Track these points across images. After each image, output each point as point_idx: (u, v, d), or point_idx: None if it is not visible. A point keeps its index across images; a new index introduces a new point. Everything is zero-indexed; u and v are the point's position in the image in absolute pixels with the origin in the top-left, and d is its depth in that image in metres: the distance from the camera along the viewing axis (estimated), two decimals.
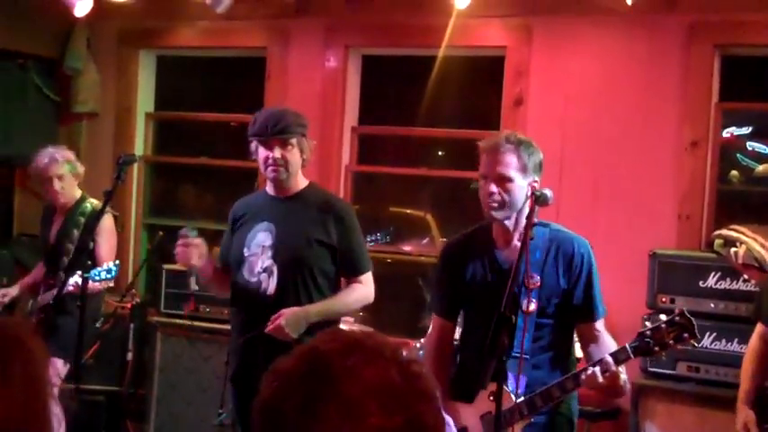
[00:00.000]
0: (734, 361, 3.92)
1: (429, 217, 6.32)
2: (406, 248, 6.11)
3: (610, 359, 2.78)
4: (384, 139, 6.02)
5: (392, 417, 1.08)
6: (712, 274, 4.20)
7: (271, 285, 3.46)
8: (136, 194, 6.18)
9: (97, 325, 4.96)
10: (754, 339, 3.51)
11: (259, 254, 3.50)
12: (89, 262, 4.43)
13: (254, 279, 3.50)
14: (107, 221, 4.69)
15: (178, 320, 5.37)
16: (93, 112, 6.19)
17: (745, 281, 4.13)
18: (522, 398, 2.93)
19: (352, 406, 1.07)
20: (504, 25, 5.13)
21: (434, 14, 5.09)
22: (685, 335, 2.75)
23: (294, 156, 3.46)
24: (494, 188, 2.92)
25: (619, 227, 4.74)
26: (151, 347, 5.42)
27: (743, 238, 4.13)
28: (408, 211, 6.47)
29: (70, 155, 4.81)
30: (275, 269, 3.46)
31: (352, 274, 3.56)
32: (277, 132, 3.41)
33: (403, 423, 1.08)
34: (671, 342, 2.76)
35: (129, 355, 5.44)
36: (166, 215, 6.30)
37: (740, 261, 4.07)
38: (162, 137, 6.42)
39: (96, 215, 4.42)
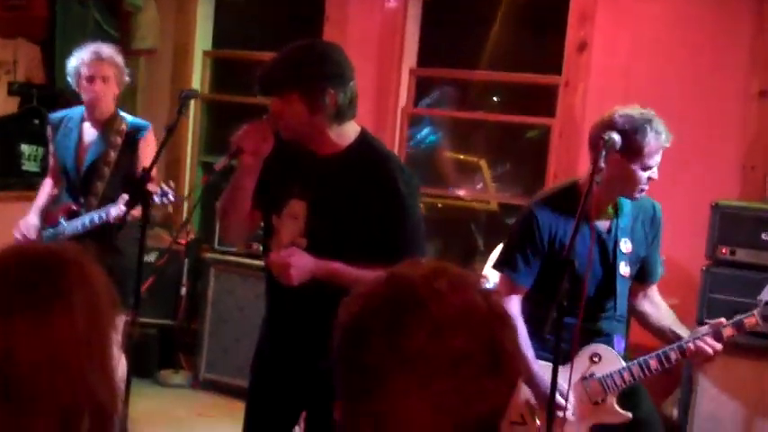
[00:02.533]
0: None
1: (482, 162, 6.27)
2: (459, 193, 6.07)
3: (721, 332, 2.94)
4: (441, 83, 5.95)
5: (476, 340, 1.10)
6: None
7: None
8: (192, 132, 6.21)
9: (151, 259, 5.01)
10: None
11: (289, 226, 2.93)
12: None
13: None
14: (150, 136, 4.25)
15: (231, 257, 5.42)
16: (151, 49, 6.20)
17: None
18: (633, 363, 3.01)
19: (439, 327, 1.09)
20: None
21: None
22: None
23: (297, 112, 2.67)
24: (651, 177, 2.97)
25: (681, 176, 4.63)
26: (204, 283, 5.49)
27: None
28: (461, 157, 6.42)
29: (121, 59, 4.24)
30: (306, 246, 2.81)
31: (393, 259, 3.20)
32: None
33: (484, 347, 1.11)
34: None
35: (183, 291, 5.53)
36: (222, 153, 6.30)
37: None
38: (219, 76, 6.42)
39: (143, 138, 4.17)
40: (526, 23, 5.72)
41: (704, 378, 4.13)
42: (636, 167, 2.91)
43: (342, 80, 2.69)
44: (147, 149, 4.15)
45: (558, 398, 2.87)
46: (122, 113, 4.31)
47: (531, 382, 2.95)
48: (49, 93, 5.84)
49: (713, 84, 4.65)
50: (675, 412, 4.19)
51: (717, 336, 2.96)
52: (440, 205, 6.50)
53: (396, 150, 5.57)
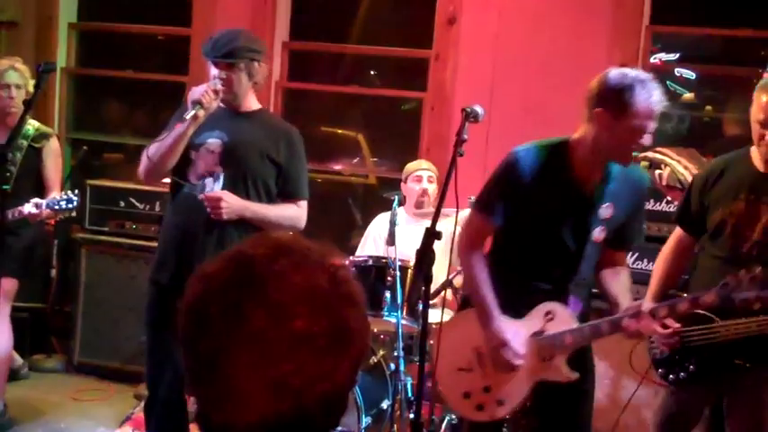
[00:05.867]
0: None
1: (360, 137, 6.29)
2: (337, 167, 6.08)
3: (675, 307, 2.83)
4: (316, 58, 5.92)
5: (318, 320, 1.09)
6: None
7: (215, 189, 3.45)
8: (59, 108, 5.98)
9: None
10: (671, 241, 3.44)
11: (206, 157, 3.48)
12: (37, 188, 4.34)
13: (197, 181, 3.49)
14: (54, 143, 4.52)
15: (103, 237, 5.28)
16: (12, 21, 5.93)
17: (668, 202, 4.21)
18: (585, 325, 2.95)
19: (278, 309, 1.08)
20: None
21: None
22: None
23: (240, 78, 3.48)
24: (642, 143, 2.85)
25: None
26: (76, 264, 5.33)
27: (667, 160, 4.19)
28: (339, 131, 6.42)
29: (26, 69, 4.52)
30: (222, 175, 3.47)
31: (292, 196, 3.60)
32: (222, 55, 3.44)
33: (328, 327, 1.09)
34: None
35: (53, 272, 5.36)
36: (91, 130, 6.13)
37: (664, 183, 4.12)
38: (87, 49, 6.19)
39: (40, 136, 4.40)
40: None
41: None
42: (624, 128, 2.76)
43: (264, 58, 3.57)
44: (53, 155, 4.49)
45: (515, 346, 2.89)
46: (29, 121, 4.47)
47: (487, 329, 2.91)
48: None
49: (577, 56, 4.79)
50: None
51: (653, 316, 2.85)
52: (319, 180, 6.50)
53: None
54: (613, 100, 2.76)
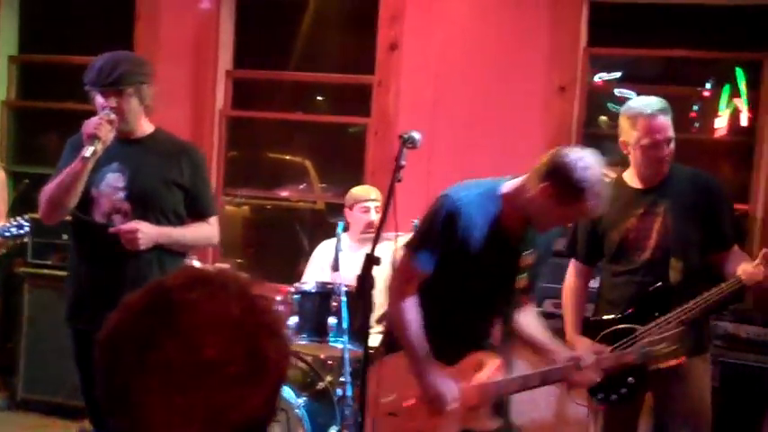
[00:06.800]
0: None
1: (308, 163, 6.30)
2: (284, 194, 6.08)
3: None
4: (261, 86, 5.93)
5: (229, 350, 1.08)
6: None
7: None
8: None
9: None
10: (571, 277, 3.61)
11: (110, 194, 3.36)
12: None
13: (104, 220, 3.36)
14: (1, 174, 4.41)
15: (46, 270, 5.20)
16: None
17: None
18: (514, 377, 3.02)
19: (187, 339, 1.07)
20: None
21: None
22: None
23: (131, 104, 3.35)
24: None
25: (490, 171, 4.82)
26: (18, 299, 5.24)
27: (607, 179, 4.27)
28: (287, 157, 6.42)
29: None
30: (129, 210, 3.35)
31: (202, 215, 3.52)
32: (110, 83, 3.30)
33: (241, 356, 1.09)
34: None
35: None
36: (32, 162, 6.05)
37: None
38: (27, 81, 6.13)
39: None
40: (342, 24, 5.80)
41: (516, 359, 4.31)
42: (562, 212, 2.78)
43: (151, 78, 3.44)
44: None
45: (448, 398, 2.88)
46: None
47: (421, 380, 2.88)
48: None
49: (517, 80, 4.87)
50: None
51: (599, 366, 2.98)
52: (268, 207, 6.49)
53: (215, 153, 5.51)
54: (566, 189, 2.71)
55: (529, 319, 3.11)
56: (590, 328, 3.46)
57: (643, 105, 3.34)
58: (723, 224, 3.42)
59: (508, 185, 2.92)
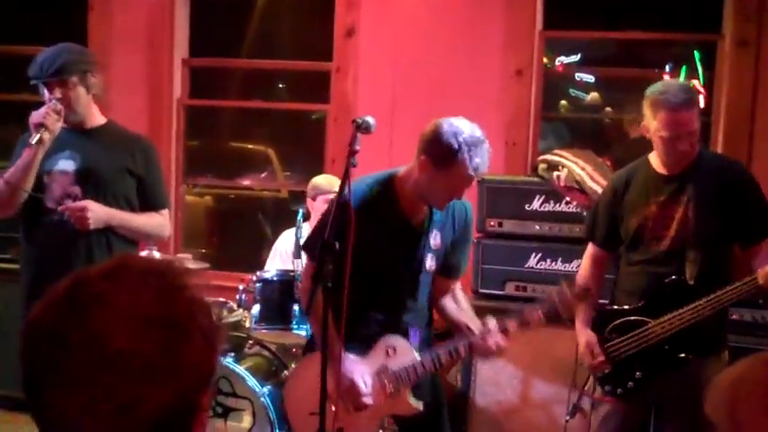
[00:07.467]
0: (557, 279, 4.08)
1: (271, 151, 6.27)
2: (246, 183, 6.05)
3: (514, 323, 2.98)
4: (219, 74, 5.88)
5: (138, 343, 1.04)
6: (537, 197, 4.35)
7: None
8: None
9: None
10: (587, 258, 3.54)
11: (61, 180, 3.38)
12: None
13: (55, 206, 3.37)
14: None
15: (5, 265, 5.14)
16: None
17: (567, 203, 4.31)
18: (426, 356, 3.02)
19: (95, 333, 1.03)
20: None
21: None
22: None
23: (77, 93, 3.39)
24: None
25: None
26: None
27: (565, 162, 4.29)
28: (250, 146, 6.39)
29: None
30: (80, 194, 3.38)
31: (155, 207, 3.56)
32: (53, 74, 3.33)
33: (151, 350, 1.04)
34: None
35: None
36: None
37: (562, 184, 4.23)
38: None
39: None
40: (300, 10, 5.76)
41: None
42: (441, 182, 2.86)
43: (97, 67, 3.47)
44: None
45: (361, 385, 2.92)
46: None
47: (334, 372, 2.85)
48: None
49: (474, 64, 4.87)
50: (459, 380, 4.39)
51: (504, 331, 2.98)
52: (231, 196, 6.45)
53: (174, 143, 5.47)
54: (438, 155, 2.82)
55: (452, 304, 3.17)
56: (602, 317, 3.38)
57: (668, 96, 3.12)
58: (752, 218, 3.23)
59: (402, 169, 3.00)
